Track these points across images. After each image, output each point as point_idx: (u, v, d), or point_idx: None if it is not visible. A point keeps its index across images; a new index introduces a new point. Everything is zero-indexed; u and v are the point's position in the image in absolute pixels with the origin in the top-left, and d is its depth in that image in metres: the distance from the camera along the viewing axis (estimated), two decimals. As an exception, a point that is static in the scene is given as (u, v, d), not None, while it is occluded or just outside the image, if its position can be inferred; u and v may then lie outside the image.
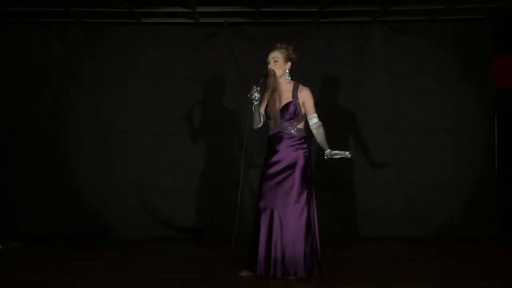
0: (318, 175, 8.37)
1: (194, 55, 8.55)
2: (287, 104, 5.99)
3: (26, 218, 8.36)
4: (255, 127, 6.16)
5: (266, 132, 6.20)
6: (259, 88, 5.92)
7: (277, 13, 8.33)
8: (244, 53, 8.39)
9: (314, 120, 6.01)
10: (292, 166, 5.94)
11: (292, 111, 5.98)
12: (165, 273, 6.32)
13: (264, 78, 5.97)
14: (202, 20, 8.49)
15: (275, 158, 5.99)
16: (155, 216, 8.52)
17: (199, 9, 8.07)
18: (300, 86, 6.06)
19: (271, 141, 6.07)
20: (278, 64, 5.98)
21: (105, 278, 6.11)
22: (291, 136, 5.99)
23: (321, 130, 5.99)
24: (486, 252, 7.63)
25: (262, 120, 6.17)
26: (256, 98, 5.93)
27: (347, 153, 5.92)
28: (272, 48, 6.04)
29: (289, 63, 6.05)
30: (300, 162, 5.96)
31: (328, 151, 5.93)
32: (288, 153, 5.96)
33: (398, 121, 8.57)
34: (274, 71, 5.99)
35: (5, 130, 8.42)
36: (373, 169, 8.50)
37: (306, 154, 6.01)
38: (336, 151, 5.92)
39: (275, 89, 6.01)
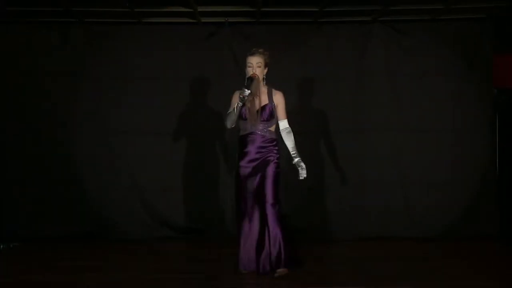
0: (321, 176, 8.43)
1: (195, 55, 8.53)
2: (264, 107, 6.21)
3: (27, 218, 8.33)
4: (230, 126, 6.29)
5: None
6: (249, 90, 6.07)
7: (278, 13, 8.32)
8: (245, 53, 8.36)
9: (285, 125, 6.25)
10: (264, 167, 6.15)
11: (268, 114, 6.20)
12: (165, 273, 6.34)
13: (251, 81, 6.08)
14: (203, 19, 8.47)
15: (247, 158, 6.20)
16: (156, 215, 8.50)
17: (200, 8, 8.07)
18: (273, 90, 6.29)
19: (243, 141, 6.26)
20: (260, 69, 6.21)
21: (105, 278, 6.12)
22: (263, 137, 6.20)
23: (292, 135, 6.23)
24: (487, 252, 7.62)
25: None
26: (246, 99, 6.06)
27: (304, 174, 6.18)
28: (253, 53, 6.25)
29: (267, 68, 6.28)
30: (272, 164, 6.18)
31: (299, 159, 6.17)
32: (260, 154, 6.17)
33: (399, 121, 8.54)
34: (257, 76, 6.13)
35: (6, 130, 8.41)
36: (374, 169, 8.49)
37: (277, 155, 6.23)
38: (302, 164, 6.15)
39: (256, 93, 6.18)
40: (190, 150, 8.53)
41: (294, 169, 6.23)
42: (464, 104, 8.57)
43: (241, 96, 6.05)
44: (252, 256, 6.13)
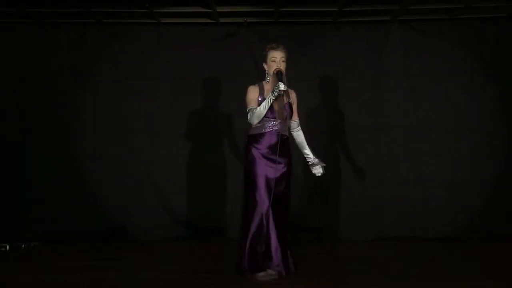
0: (338, 175, 8.42)
1: (213, 55, 8.56)
2: (285, 105, 6.05)
3: (47, 218, 8.39)
4: (256, 123, 6.02)
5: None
6: (285, 85, 5.92)
7: (297, 13, 8.33)
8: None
9: (299, 124, 6.23)
10: (281, 166, 6.00)
11: (288, 112, 6.07)
12: (182, 273, 6.34)
13: (281, 75, 5.94)
14: (222, 20, 8.49)
15: (266, 157, 5.99)
16: (172, 216, 8.54)
17: (219, 9, 8.09)
18: (288, 88, 6.08)
19: (259, 139, 6.03)
20: (284, 63, 6.05)
21: (123, 278, 6.14)
22: (281, 135, 6.03)
23: (302, 132, 6.23)
24: (504, 253, 7.56)
25: None
26: (282, 94, 5.94)
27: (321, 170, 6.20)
28: (277, 48, 6.03)
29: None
30: (289, 163, 6.06)
31: (313, 157, 6.16)
32: (279, 153, 5.95)
33: (417, 121, 8.53)
34: (283, 70, 6.01)
35: (23, 130, 8.50)
36: (391, 169, 8.47)
37: (291, 155, 6.11)
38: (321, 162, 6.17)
39: (285, 88, 5.98)
40: (207, 149, 8.56)
41: (309, 168, 6.22)
42: (483, 104, 8.55)
43: (276, 90, 5.84)
44: (266, 256, 5.96)
